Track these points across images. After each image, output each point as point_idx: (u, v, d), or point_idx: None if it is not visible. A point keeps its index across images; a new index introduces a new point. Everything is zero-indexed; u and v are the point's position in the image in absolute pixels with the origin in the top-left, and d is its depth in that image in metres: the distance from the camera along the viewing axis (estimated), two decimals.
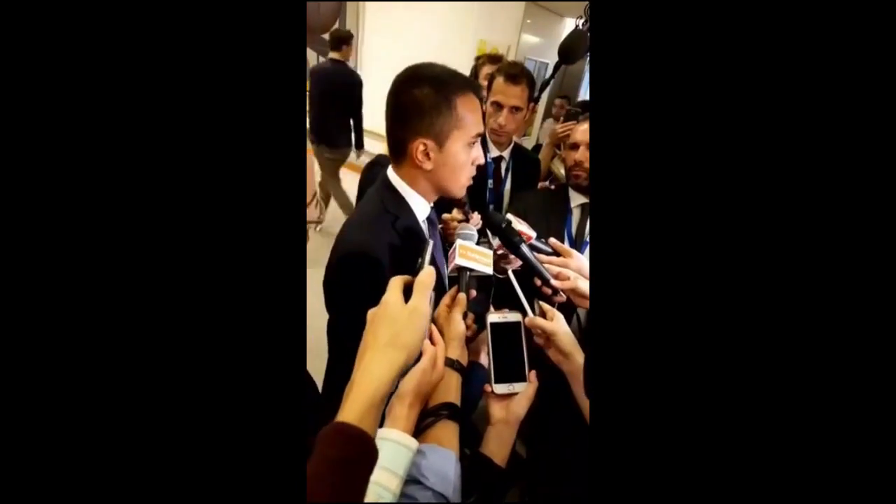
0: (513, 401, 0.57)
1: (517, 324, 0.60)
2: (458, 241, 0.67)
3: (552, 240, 0.80)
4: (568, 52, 1.39)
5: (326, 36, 3.81)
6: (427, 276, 0.49)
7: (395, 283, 0.49)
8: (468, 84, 0.72)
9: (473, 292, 0.65)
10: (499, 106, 1.31)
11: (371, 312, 0.48)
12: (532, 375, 0.58)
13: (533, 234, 0.81)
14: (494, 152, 1.40)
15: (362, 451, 0.37)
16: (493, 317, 0.60)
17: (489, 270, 0.66)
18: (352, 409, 0.39)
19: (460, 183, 0.77)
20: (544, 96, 2.04)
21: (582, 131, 1.15)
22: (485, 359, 0.65)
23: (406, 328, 0.45)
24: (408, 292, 0.49)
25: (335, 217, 3.32)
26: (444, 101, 0.69)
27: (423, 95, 0.68)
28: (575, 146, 1.14)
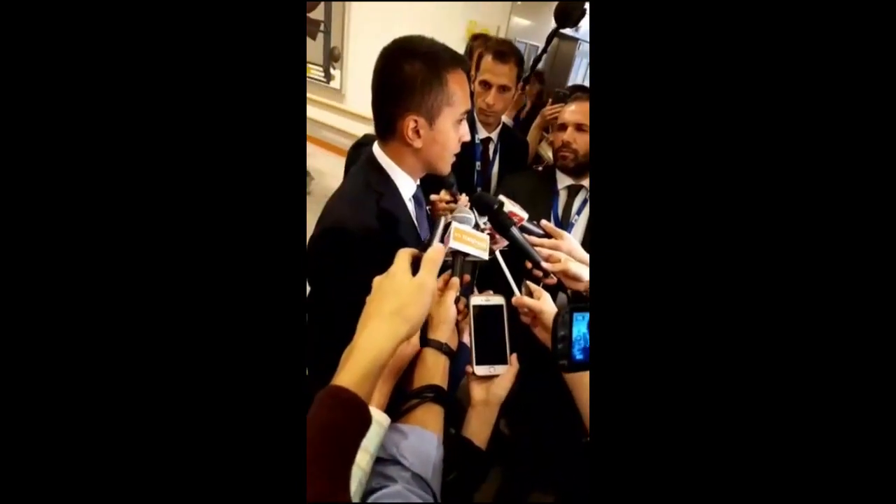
0: (493, 383, 0.57)
1: (500, 306, 0.60)
2: (454, 225, 0.65)
3: (543, 222, 0.79)
4: (564, 13, 1.38)
5: (312, 15, 3.71)
6: (436, 252, 0.50)
7: (403, 256, 0.49)
8: (458, 60, 0.71)
9: (467, 277, 0.64)
10: (487, 85, 1.28)
11: (377, 280, 0.48)
12: (513, 358, 0.58)
13: (525, 215, 0.80)
14: (482, 133, 1.38)
15: (355, 417, 0.37)
16: (476, 299, 0.60)
17: (485, 255, 0.64)
18: (349, 374, 0.38)
19: (448, 160, 0.76)
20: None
21: (570, 112, 1.14)
22: (467, 339, 0.64)
23: (413, 302, 0.45)
24: (414, 265, 0.49)
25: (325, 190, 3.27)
26: (436, 77, 0.68)
27: (415, 71, 0.67)
28: (563, 127, 1.14)
